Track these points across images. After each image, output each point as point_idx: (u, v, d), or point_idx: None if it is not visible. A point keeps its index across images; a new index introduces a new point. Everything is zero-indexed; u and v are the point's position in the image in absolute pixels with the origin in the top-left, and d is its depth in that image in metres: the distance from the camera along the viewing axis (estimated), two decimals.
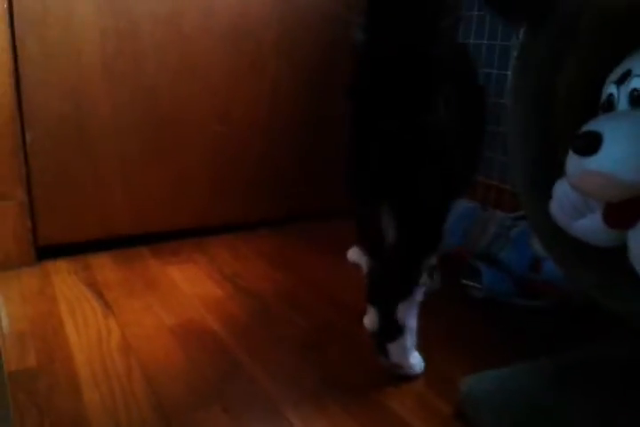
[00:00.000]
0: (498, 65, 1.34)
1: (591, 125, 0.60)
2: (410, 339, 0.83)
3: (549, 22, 0.76)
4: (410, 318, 0.82)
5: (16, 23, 1.10)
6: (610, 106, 0.64)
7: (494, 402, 0.76)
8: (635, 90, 0.61)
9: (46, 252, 1.25)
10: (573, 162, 0.61)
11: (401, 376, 0.86)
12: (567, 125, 0.73)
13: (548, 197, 0.72)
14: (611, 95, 0.64)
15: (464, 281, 1.15)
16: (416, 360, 0.87)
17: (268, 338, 0.97)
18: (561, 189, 0.69)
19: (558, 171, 0.69)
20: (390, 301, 0.81)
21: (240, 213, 1.44)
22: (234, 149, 1.39)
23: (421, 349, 0.94)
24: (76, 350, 0.92)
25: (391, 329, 0.82)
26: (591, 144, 0.58)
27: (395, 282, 0.82)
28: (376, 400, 0.81)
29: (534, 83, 0.76)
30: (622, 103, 0.62)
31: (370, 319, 0.85)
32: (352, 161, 0.79)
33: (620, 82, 0.63)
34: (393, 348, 0.82)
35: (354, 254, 1.28)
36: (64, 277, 1.18)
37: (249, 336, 0.97)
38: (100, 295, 1.10)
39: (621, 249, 0.65)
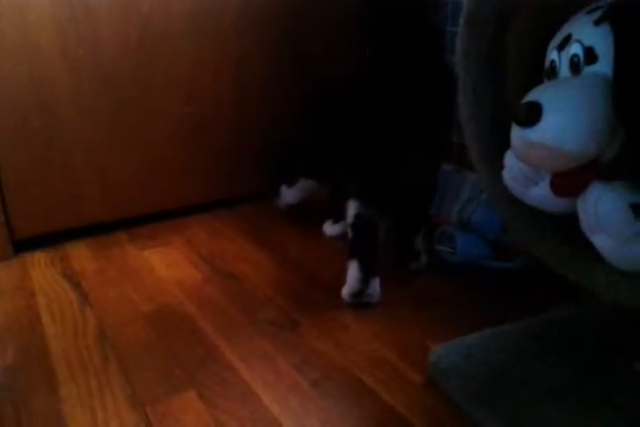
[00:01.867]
0: None
1: (532, 95, 0.58)
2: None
3: None
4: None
5: None
6: (553, 72, 0.63)
7: (462, 371, 0.77)
8: (574, 55, 0.59)
9: (23, 244, 1.25)
10: (516, 133, 0.59)
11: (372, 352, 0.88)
12: (518, 91, 0.71)
13: (502, 166, 0.71)
14: (553, 61, 0.62)
15: (438, 246, 1.15)
16: None
17: (246, 321, 0.98)
18: (512, 159, 0.68)
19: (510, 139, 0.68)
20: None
21: (215, 191, 1.43)
22: (202, 128, 1.37)
23: (394, 317, 0.96)
24: (52, 344, 0.92)
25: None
26: (531, 115, 0.56)
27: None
28: (350, 375, 0.83)
29: (483, 46, 0.73)
30: (564, 70, 0.61)
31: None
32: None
33: (561, 47, 0.61)
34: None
35: (328, 227, 1.28)
36: (42, 270, 1.18)
37: (226, 320, 0.98)
38: (76, 286, 1.11)
39: (576, 217, 0.64)
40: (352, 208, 0.98)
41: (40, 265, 1.20)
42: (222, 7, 1.30)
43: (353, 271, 0.98)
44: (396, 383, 0.80)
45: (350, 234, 0.99)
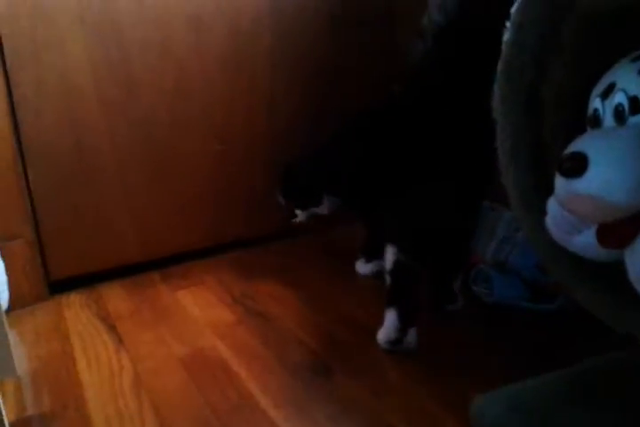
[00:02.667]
0: None
1: (576, 145, 0.57)
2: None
3: (532, 23, 0.73)
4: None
5: (8, 64, 1.10)
6: (596, 121, 0.62)
7: (506, 424, 0.74)
8: (619, 105, 0.58)
9: (59, 285, 1.26)
10: (561, 183, 0.58)
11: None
12: (558, 137, 0.71)
13: (543, 211, 0.70)
14: (596, 110, 0.61)
15: (474, 287, 1.13)
16: None
17: (279, 365, 0.96)
18: (554, 207, 0.67)
19: (551, 184, 0.67)
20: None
21: (247, 229, 1.44)
22: (235, 165, 1.38)
23: (432, 364, 0.94)
24: (88, 390, 0.92)
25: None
26: (577, 166, 0.55)
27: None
28: (388, 425, 0.80)
29: (521, 92, 0.73)
30: (608, 119, 0.60)
31: None
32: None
33: (605, 96, 0.60)
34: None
35: (362, 266, 1.27)
36: (77, 311, 1.19)
37: (259, 364, 0.97)
38: (111, 328, 1.11)
39: (621, 265, 0.62)
40: (391, 254, 0.95)
41: (75, 307, 1.21)
42: (255, 47, 1.32)
43: (391, 320, 0.95)
44: None
45: (389, 281, 0.97)
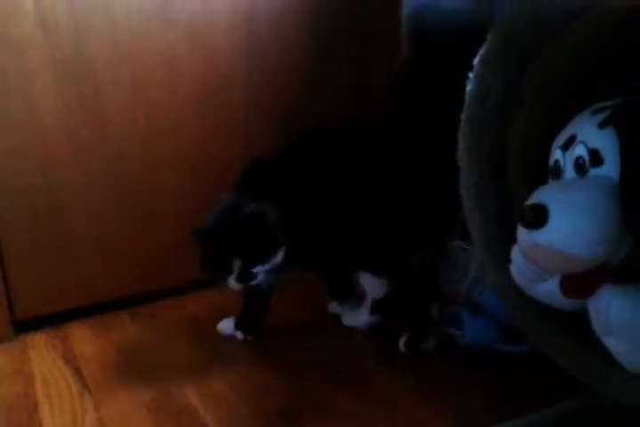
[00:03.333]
0: None
1: (538, 197, 0.58)
2: None
3: (495, 74, 0.74)
4: None
5: None
6: (557, 172, 0.63)
7: None
8: (579, 157, 0.59)
9: (24, 324, 1.23)
10: (523, 234, 0.59)
11: None
12: (521, 186, 0.72)
13: (508, 258, 0.70)
14: (557, 161, 0.62)
15: (447, 329, 1.12)
16: None
17: (248, 411, 0.94)
18: (518, 255, 0.67)
19: (515, 233, 0.68)
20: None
21: None
22: (204, 205, 1.37)
23: (412, 412, 0.92)
24: None
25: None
26: (538, 218, 0.56)
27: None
28: None
29: (485, 143, 0.74)
30: (569, 170, 0.61)
31: None
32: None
33: (565, 148, 0.61)
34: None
35: (335, 308, 1.26)
36: (42, 352, 1.16)
37: (228, 410, 0.95)
38: (76, 371, 1.08)
39: (585, 313, 0.63)
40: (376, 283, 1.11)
41: (40, 347, 1.18)
42: (230, 85, 1.32)
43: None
44: None
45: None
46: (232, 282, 1.02)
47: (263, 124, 1.39)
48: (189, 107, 1.30)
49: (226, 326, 1.20)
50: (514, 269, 0.68)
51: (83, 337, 1.21)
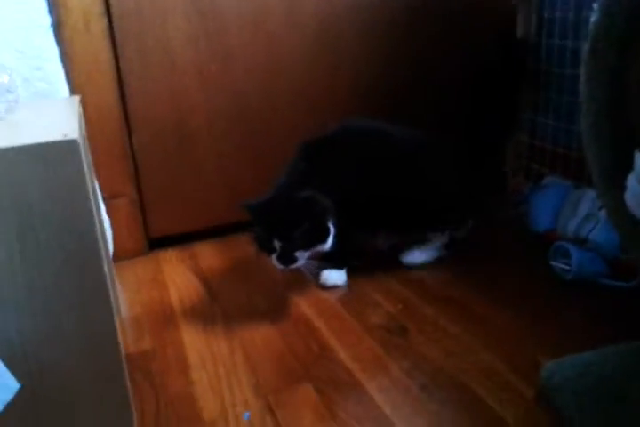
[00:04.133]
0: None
1: None
2: None
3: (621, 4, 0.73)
4: None
5: (117, 36, 1.21)
6: None
7: (577, 388, 0.77)
8: None
9: (157, 243, 1.38)
10: None
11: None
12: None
13: (623, 187, 0.71)
14: None
15: (553, 262, 1.14)
16: None
17: (356, 322, 1.03)
18: (634, 182, 0.68)
19: (631, 161, 0.69)
20: None
21: None
22: None
23: (506, 330, 0.97)
24: (185, 334, 1.02)
25: None
26: None
27: None
28: (459, 383, 0.85)
29: (606, 71, 0.74)
30: None
31: None
32: None
33: None
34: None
35: None
36: (173, 266, 1.30)
37: (337, 320, 1.04)
38: (204, 281, 1.21)
39: None
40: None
41: (172, 261, 1.33)
42: (345, 22, 1.37)
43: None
44: (506, 395, 0.82)
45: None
46: (274, 260, 1.05)
47: (372, 52, 1.42)
48: (305, 42, 1.35)
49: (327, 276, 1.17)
50: (628, 196, 0.70)
51: (208, 254, 1.34)
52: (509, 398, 0.82)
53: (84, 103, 1.19)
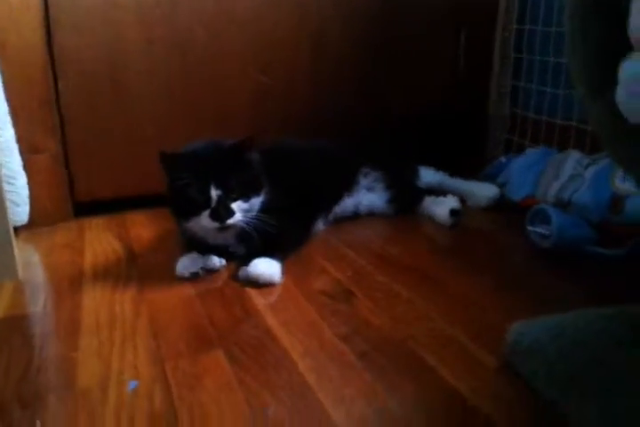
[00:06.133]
0: None
1: None
2: None
3: None
4: None
5: None
6: None
7: (548, 352, 0.61)
8: None
9: (83, 208, 1.21)
10: None
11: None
12: None
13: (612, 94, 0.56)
14: None
15: (530, 228, 0.98)
16: None
17: (294, 287, 0.86)
18: (630, 69, 0.53)
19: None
20: None
21: None
22: (274, 99, 1.28)
23: (466, 297, 0.81)
24: (86, 297, 0.85)
25: None
26: None
27: None
28: (406, 351, 0.68)
29: None
30: None
31: None
32: None
33: None
34: None
35: None
36: (97, 233, 1.13)
37: (273, 286, 0.87)
38: (127, 248, 1.04)
39: None
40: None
41: (97, 229, 1.16)
42: None
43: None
44: (463, 364, 0.65)
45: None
46: (205, 219, 0.88)
47: (337, 23, 1.27)
48: None
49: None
50: (621, 90, 0.54)
51: (139, 224, 1.17)
52: (466, 368, 0.65)
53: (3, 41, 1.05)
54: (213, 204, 0.88)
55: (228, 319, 0.77)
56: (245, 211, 0.90)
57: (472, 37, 1.37)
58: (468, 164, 1.30)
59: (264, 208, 0.92)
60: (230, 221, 0.88)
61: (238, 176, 0.89)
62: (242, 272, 0.89)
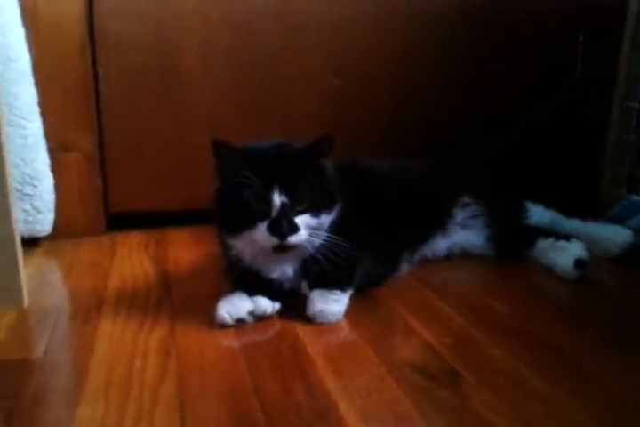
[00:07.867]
0: None
1: None
2: None
3: None
4: None
5: None
6: None
7: None
8: None
9: (118, 220, 1.04)
10: None
11: None
12: None
13: None
14: None
15: None
16: None
17: (374, 356, 0.64)
18: None
19: None
20: None
21: None
22: (348, 103, 1.08)
23: (624, 395, 0.57)
24: (102, 340, 0.66)
25: None
26: None
27: None
28: None
29: None
30: None
31: None
32: None
33: None
34: None
35: None
36: (130, 251, 0.96)
37: (343, 350, 0.65)
38: (162, 276, 0.85)
39: None
40: None
41: (130, 246, 0.98)
42: None
43: None
44: None
45: None
46: (261, 233, 0.68)
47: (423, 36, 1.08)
48: None
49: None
50: None
51: (180, 243, 0.99)
52: None
53: (34, 13, 0.88)
54: (274, 213, 0.68)
55: (282, 397, 0.56)
56: (313, 229, 0.70)
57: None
58: (573, 202, 1.05)
59: (334, 230, 0.72)
60: (293, 240, 0.68)
61: (309, 183, 0.70)
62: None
